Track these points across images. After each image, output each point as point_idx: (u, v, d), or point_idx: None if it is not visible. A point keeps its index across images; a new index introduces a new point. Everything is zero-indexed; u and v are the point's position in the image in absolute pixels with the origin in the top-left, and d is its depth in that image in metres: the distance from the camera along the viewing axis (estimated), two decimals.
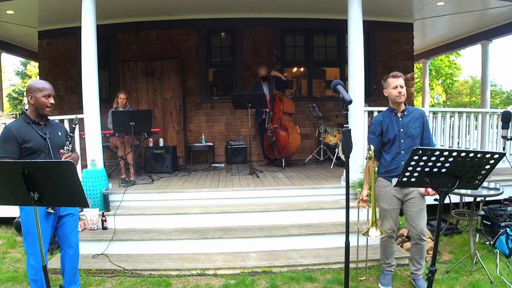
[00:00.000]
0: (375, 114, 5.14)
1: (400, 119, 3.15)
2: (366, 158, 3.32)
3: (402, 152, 3.14)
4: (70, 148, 2.71)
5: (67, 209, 2.89)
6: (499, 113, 5.78)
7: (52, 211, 2.66)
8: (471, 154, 2.00)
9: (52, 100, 2.79)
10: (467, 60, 41.19)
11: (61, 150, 2.67)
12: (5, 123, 5.22)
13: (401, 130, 3.13)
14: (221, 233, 4.16)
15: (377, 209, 3.26)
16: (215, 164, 7.30)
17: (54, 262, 3.77)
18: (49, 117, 2.92)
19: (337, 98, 4.44)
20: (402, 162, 3.10)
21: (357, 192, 4.13)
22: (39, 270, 2.72)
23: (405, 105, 3.20)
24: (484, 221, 4.53)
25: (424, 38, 9.31)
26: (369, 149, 3.21)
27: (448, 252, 4.11)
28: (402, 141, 3.13)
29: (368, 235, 3.09)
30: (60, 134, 2.89)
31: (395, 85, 3.08)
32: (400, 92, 3.07)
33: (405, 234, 4.18)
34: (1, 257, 4.11)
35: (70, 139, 2.73)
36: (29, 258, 2.77)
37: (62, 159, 2.61)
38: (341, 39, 7.83)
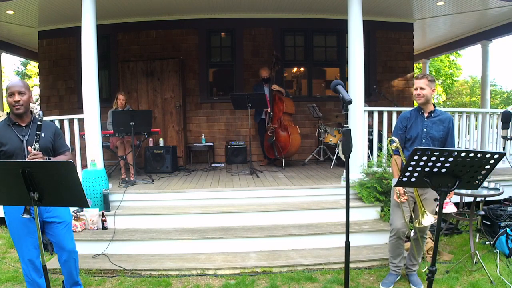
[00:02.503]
0: (375, 114, 5.15)
1: (426, 119, 3.17)
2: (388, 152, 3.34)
3: None
4: (37, 147, 2.50)
5: (52, 217, 2.77)
6: (499, 113, 5.78)
7: (27, 216, 2.37)
8: (471, 154, 2.00)
9: (16, 97, 2.61)
10: (467, 60, 41.17)
11: (29, 147, 2.52)
12: None
13: (424, 130, 3.16)
14: (221, 233, 4.16)
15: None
16: (215, 164, 7.30)
17: (54, 262, 3.76)
18: (39, 117, 2.67)
19: (337, 98, 4.44)
20: None
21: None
22: (30, 272, 2.72)
23: (434, 106, 3.21)
24: (484, 221, 4.53)
25: (424, 38, 9.30)
26: (390, 142, 3.19)
27: (448, 252, 4.11)
28: (424, 141, 3.15)
29: (421, 224, 2.99)
30: (43, 135, 2.69)
31: (415, 86, 3.17)
32: (418, 94, 3.13)
33: (405, 234, 4.18)
34: (1, 257, 4.11)
35: (36, 137, 2.52)
36: (20, 261, 2.79)
37: (27, 159, 2.44)
38: (341, 39, 7.82)
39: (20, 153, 2.61)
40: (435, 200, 3.01)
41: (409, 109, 3.40)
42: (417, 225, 3.03)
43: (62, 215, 2.82)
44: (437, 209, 3.05)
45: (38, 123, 2.54)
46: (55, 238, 2.83)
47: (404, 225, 3.25)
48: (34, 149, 2.49)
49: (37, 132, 2.52)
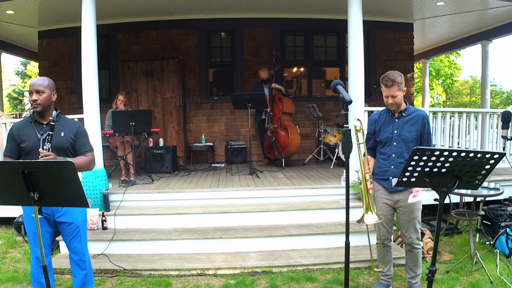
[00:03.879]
0: None
1: (396, 119, 2.93)
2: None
3: (393, 155, 2.93)
4: (48, 148, 2.50)
5: (63, 217, 2.74)
6: (499, 113, 5.78)
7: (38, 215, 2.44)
8: (471, 154, 2.00)
9: (34, 97, 2.61)
10: (467, 60, 41.19)
11: (40, 149, 2.51)
12: (5, 123, 5.24)
13: (395, 132, 2.91)
14: (221, 233, 4.16)
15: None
16: (215, 164, 7.29)
17: (54, 262, 3.76)
18: (61, 115, 2.74)
19: (337, 98, 4.44)
20: (392, 166, 2.93)
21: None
22: (36, 269, 2.72)
23: (406, 104, 2.95)
24: (484, 221, 4.53)
25: (424, 38, 9.31)
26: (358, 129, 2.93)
27: (448, 252, 4.11)
28: (395, 143, 2.91)
29: (363, 222, 2.74)
30: (62, 134, 2.69)
31: (385, 94, 2.87)
32: (391, 103, 2.86)
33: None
34: (1, 257, 4.11)
35: (49, 138, 2.49)
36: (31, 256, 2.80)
37: (39, 159, 2.43)
38: (341, 39, 7.82)
39: (37, 151, 2.60)
40: (436, 200, 3.00)
41: (380, 109, 3.14)
42: (358, 222, 2.77)
43: (73, 216, 2.76)
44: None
45: (51, 123, 2.52)
46: (65, 239, 2.82)
47: (388, 232, 3.12)
48: (45, 149, 2.49)
49: (49, 133, 2.51)
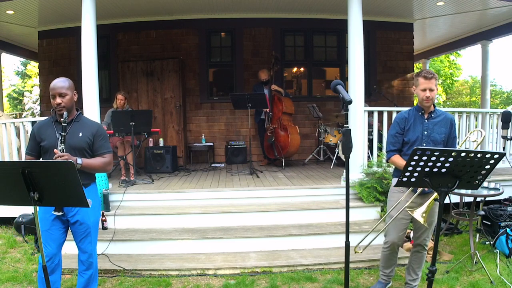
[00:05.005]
0: (375, 114, 5.14)
1: (426, 120, 2.90)
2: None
3: None
4: (62, 149, 2.53)
5: (76, 217, 2.75)
6: (499, 113, 5.77)
7: (57, 213, 2.48)
8: (471, 154, 2.00)
9: (58, 100, 2.62)
10: (467, 60, 41.17)
11: (55, 149, 2.54)
12: (5, 123, 5.24)
13: (425, 132, 2.88)
14: (221, 233, 4.16)
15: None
16: (215, 164, 7.29)
17: None
18: (82, 115, 2.81)
19: (337, 98, 4.44)
20: None
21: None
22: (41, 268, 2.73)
23: (434, 106, 2.93)
24: (484, 221, 4.53)
25: (424, 38, 9.31)
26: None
27: (448, 252, 4.11)
28: (424, 144, 2.85)
29: (413, 213, 2.65)
30: (80, 134, 2.71)
31: (424, 87, 2.79)
32: (428, 97, 2.79)
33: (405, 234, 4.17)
34: (1, 257, 4.11)
35: (61, 138, 2.53)
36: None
37: (53, 159, 2.46)
38: (341, 39, 7.83)
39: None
40: (436, 200, 2.97)
41: (406, 109, 3.11)
42: (410, 210, 2.69)
43: (86, 217, 2.76)
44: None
45: (63, 124, 2.54)
46: (75, 239, 2.82)
47: (401, 238, 3.07)
48: (60, 150, 2.51)
49: (62, 134, 2.54)
